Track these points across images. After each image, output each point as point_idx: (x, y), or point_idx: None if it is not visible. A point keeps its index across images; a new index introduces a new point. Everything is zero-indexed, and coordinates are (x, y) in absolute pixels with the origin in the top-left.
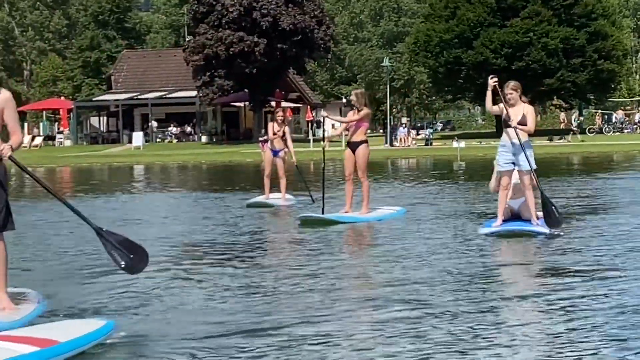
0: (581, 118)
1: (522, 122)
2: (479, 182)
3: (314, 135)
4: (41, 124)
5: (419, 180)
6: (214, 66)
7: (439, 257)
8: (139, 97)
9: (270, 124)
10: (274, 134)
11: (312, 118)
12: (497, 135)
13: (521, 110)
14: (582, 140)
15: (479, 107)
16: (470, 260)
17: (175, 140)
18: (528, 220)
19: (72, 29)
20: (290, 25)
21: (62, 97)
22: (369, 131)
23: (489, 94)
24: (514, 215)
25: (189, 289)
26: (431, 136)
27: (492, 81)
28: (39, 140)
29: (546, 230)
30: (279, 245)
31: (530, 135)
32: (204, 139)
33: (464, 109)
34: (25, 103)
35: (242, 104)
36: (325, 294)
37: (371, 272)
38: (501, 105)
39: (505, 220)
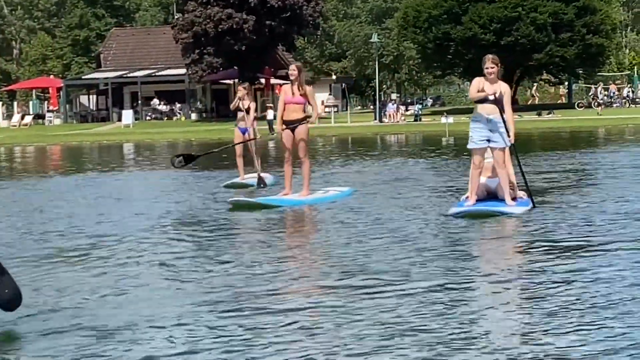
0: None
1: (499, 100)
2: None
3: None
4: (31, 103)
5: (403, 157)
6: (203, 43)
7: (395, 239)
8: (128, 75)
9: (237, 101)
10: (240, 110)
11: None
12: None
13: (498, 88)
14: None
15: (468, 83)
16: (428, 242)
17: (165, 118)
18: (503, 200)
19: (61, 7)
20: (279, 2)
21: (52, 76)
22: (331, 108)
23: (481, 95)
24: (490, 195)
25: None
26: (420, 112)
27: (487, 95)
28: (28, 119)
29: (519, 210)
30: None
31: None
32: (193, 116)
33: (453, 84)
34: (14, 82)
35: (231, 81)
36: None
37: (305, 263)
38: (480, 83)
39: (480, 200)
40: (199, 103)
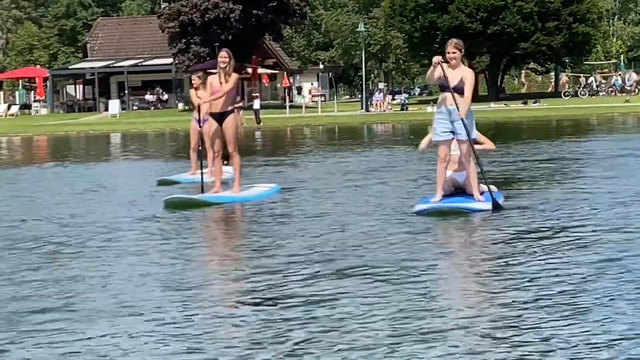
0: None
1: (459, 87)
2: None
3: (291, 101)
4: (17, 93)
5: (384, 146)
6: (190, 33)
7: (342, 240)
8: (115, 65)
9: (192, 92)
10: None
11: (288, 84)
12: (474, 99)
13: (460, 74)
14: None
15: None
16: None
17: (152, 108)
18: (472, 195)
19: None
20: None
21: (38, 66)
22: (319, 97)
23: (433, 70)
24: (458, 190)
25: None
26: (407, 101)
27: (437, 59)
28: (15, 109)
29: (488, 206)
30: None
31: (474, 100)
32: (180, 106)
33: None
34: (1, 72)
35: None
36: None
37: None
38: (439, 68)
39: (447, 196)
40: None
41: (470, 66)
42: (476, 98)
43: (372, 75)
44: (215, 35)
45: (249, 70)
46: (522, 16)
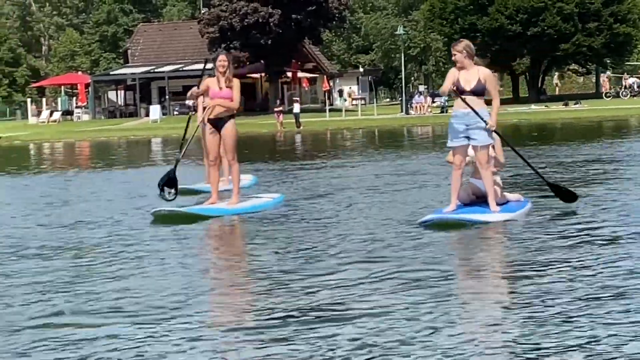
0: None
1: (478, 90)
2: None
3: (331, 104)
4: (59, 99)
5: (422, 150)
6: (229, 38)
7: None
8: (156, 70)
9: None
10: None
11: (328, 88)
12: (515, 101)
13: (475, 75)
14: None
15: (496, 74)
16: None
17: (193, 113)
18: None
19: (89, 3)
20: None
21: (80, 72)
22: (359, 101)
23: (445, 90)
24: (480, 198)
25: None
26: (447, 103)
27: (448, 90)
28: (57, 115)
29: (501, 218)
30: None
31: (515, 102)
32: None
33: None
34: (43, 78)
35: (258, 75)
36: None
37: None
38: (450, 74)
39: (467, 205)
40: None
41: (488, 67)
42: (517, 100)
43: (412, 77)
44: (255, 40)
45: (289, 74)
46: (563, 17)
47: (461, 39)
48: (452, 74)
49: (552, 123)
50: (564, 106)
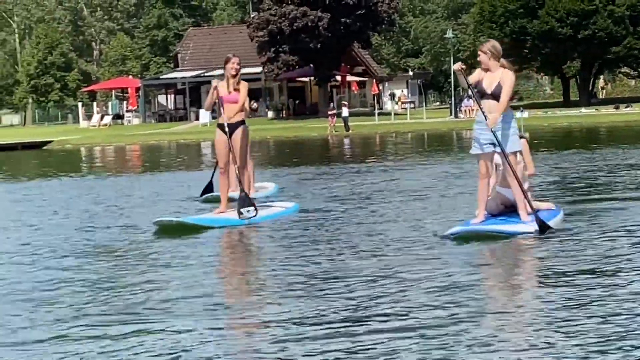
0: None
1: (497, 93)
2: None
3: (380, 108)
4: (110, 103)
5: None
6: (279, 41)
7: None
8: (206, 74)
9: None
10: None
11: (377, 91)
12: (565, 105)
13: (498, 77)
14: None
15: (546, 77)
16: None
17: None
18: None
19: (139, 8)
20: None
21: (131, 76)
22: (408, 104)
23: (461, 78)
24: (509, 208)
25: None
26: None
27: (456, 66)
28: (107, 119)
29: (531, 228)
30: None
31: (566, 105)
32: (270, 114)
33: (532, 78)
34: (95, 82)
35: (307, 79)
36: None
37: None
38: (474, 74)
39: (495, 215)
40: (274, 101)
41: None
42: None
43: None
44: (304, 44)
45: (338, 78)
46: (614, 20)
47: (489, 39)
48: (478, 74)
49: (602, 126)
50: (614, 109)
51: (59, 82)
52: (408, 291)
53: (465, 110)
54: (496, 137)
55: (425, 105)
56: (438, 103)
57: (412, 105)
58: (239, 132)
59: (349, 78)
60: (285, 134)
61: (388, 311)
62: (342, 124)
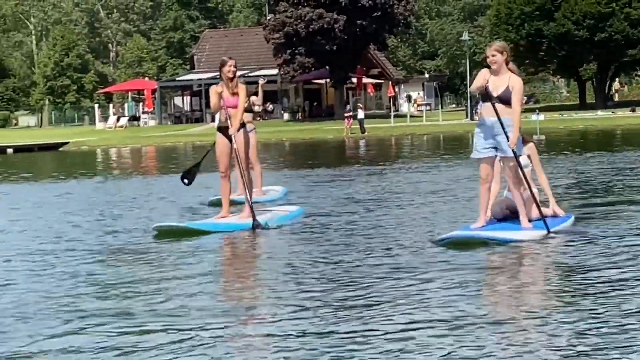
0: None
1: (505, 97)
2: (551, 156)
3: (396, 110)
4: (126, 105)
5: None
6: (295, 44)
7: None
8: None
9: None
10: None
11: (393, 94)
12: (581, 107)
13: (506, 81)
14: None
15: (562, 80)
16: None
17: (258, 119)
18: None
19: (156, 10)
20: (370, 1)
21: (147, 78)
22: (424, 107)
23: (475, 89)
24: (515, 214)
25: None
26: None
27: (482, 86)
28: (123, 120)
29: (531, 236)
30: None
31: (582, 107)
32: (286, 116)
33: (548, 81)
34: (111, 84)
35: (323, 81)
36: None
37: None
38: (485, 75)
39: (500, 221)
40: (290, 103)
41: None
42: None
43: None
44: (320, 46)
45: (354, 80)
46: (630, 23)
47: (498, 40)
48: (483, 76)
49: (618, 129)
50: (630, 112)
51: (75, 83)
52: (411, 298)
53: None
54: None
55: (441, 108)
56: (454, 105)
57: (428, 108)
58: (240, 135)
59: (365, 80)
60: (301, 136)
61: (398, 316)
62: (358, 126)
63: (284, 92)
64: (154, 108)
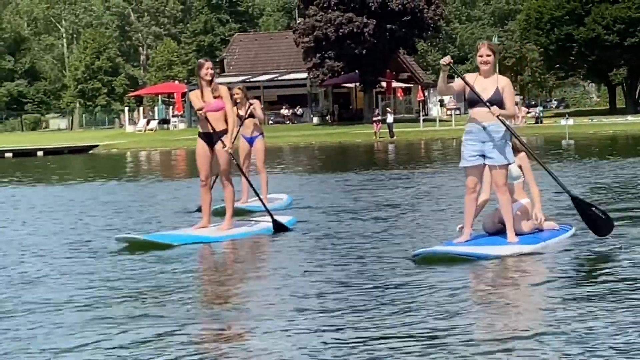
0: None
1: (496, 101)
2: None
3: (425, 115)
4: (156, 108)
5: None
6: (324, 47)
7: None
8: (251, 79)
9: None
10: (240, 117)
11: (422, 98)
12: (611, 112)
13: (494, 83)
14: None
15: (593, 85)
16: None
17: (287, 122)
18: (522, 234)
19: (186, 13)
20: (400, 6)
21: (177, 81)
22: (453, 111)
23: (442, 75)
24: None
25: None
26: (541, 114)
27: (445, 60)
28: (153, 123)
29: (515, 251)
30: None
31: (611, 112)
32: (315, 120)
33: (579, 86)
34: (141, 87)
35: (352, 85)
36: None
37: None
38: (471, 79)
39: (492, 234)
40: (319, 107)
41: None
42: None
43: None
44: (349, 50)
45: (383, 84)
46: None
47: (488, 41)
48: (469, 79)
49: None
50: None
51: (106, 86)
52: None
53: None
54: (500, 150)
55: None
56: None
57: (458, 112)
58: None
59: (395, 84)
60: (330, 139)
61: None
62: (387, 130)
63: (313, 96)
64: (183, 111)
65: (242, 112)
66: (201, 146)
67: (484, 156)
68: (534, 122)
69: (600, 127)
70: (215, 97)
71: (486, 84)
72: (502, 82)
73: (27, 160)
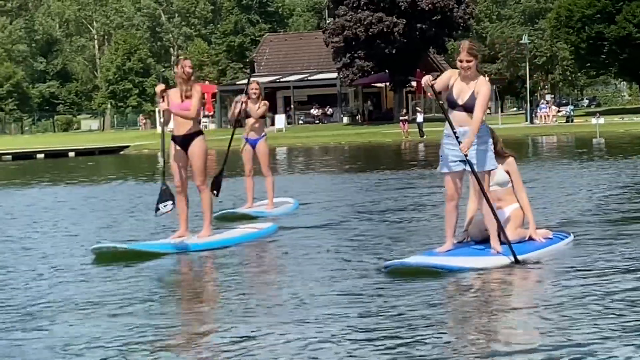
0: None
1: (470, 106)
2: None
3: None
4: None
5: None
6: (354, 47)
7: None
8: (281, 80)
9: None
10: (247, 116)
11: None
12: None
13: (472, 87)
14: None
15: (624, 83)
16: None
17: (317, 122)
18: (504, 244)
19: (216, 14)
20: (429, 5)
21: (207, 82)
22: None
23: (432, 94)
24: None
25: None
26: (572, 113)
27: (425, 81)
28: None
29: (497, 263)
30: None
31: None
32: (345, 119)
33: (610, 84)
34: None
35: (382, 85)
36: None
37: None
38: (450, 77)
39: (478, 243)
40: (349, 107)
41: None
42: None
43: (539, 87)
44: (380, 50)
45: (413, 84)
46: None
47: (469, 41)
48: (449, 76)
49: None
50: None
51: (137, 87)
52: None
53: (541, 117)
54: (469, 163)
55: (502, 111)
56: (515, 109)
57: (488, 111)
58: (196, 143)
59: None
60: (360, 139)
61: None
62: (417, 130)
63: (343, 96)
64: (214, 112)
65: (253, 106)
66: (175, 150)
67: (464, 162)
68: (564, 121)
69: (631, 126)
70: (187, 97)
71: (464, 87)
72: (479, 86)
73: (59, 161)
